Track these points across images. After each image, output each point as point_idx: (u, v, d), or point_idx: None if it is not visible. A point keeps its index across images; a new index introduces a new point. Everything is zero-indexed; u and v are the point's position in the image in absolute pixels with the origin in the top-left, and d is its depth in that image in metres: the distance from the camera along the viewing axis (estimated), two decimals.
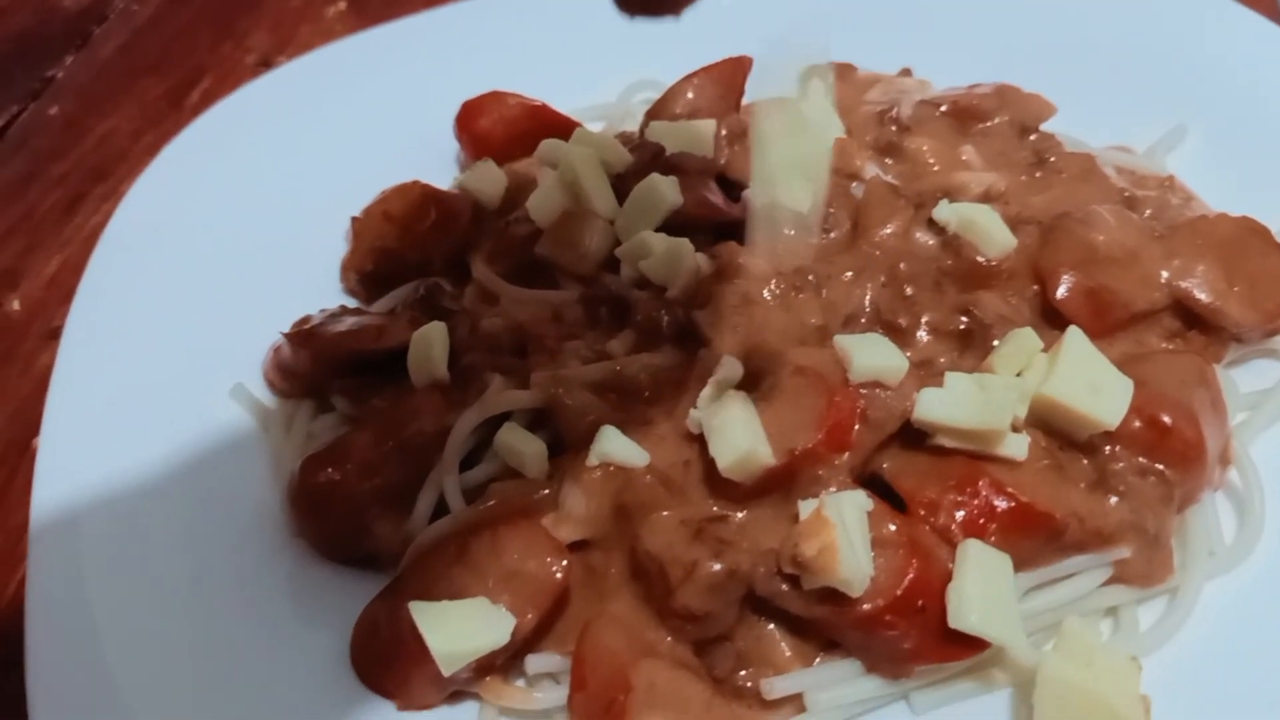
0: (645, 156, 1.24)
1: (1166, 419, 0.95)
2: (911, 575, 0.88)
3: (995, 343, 1.01)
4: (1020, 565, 0.91)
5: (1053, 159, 1.23)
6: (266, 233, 1.38)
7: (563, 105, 1.45)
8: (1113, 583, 0.95)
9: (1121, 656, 0.88)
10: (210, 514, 1.11)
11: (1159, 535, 0.94)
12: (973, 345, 1.03)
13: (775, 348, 1.01)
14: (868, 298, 1.07)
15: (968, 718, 0.92)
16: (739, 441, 0.92)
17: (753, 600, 0.93)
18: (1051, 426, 0.96)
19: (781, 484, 0.94)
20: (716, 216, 1.19)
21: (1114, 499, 0.94)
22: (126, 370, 1.22)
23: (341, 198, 1.38)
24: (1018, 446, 0.93)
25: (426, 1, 1.67)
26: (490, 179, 1.32)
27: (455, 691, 0.97)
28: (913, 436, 0.97)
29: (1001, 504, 0.91)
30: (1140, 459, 0.95)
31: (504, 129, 1.41)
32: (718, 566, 0.90)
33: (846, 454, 0.95)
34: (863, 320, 1.06)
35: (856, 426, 0.95)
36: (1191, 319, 1.08)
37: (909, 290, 1.06)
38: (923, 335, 1.04)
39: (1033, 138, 1.28)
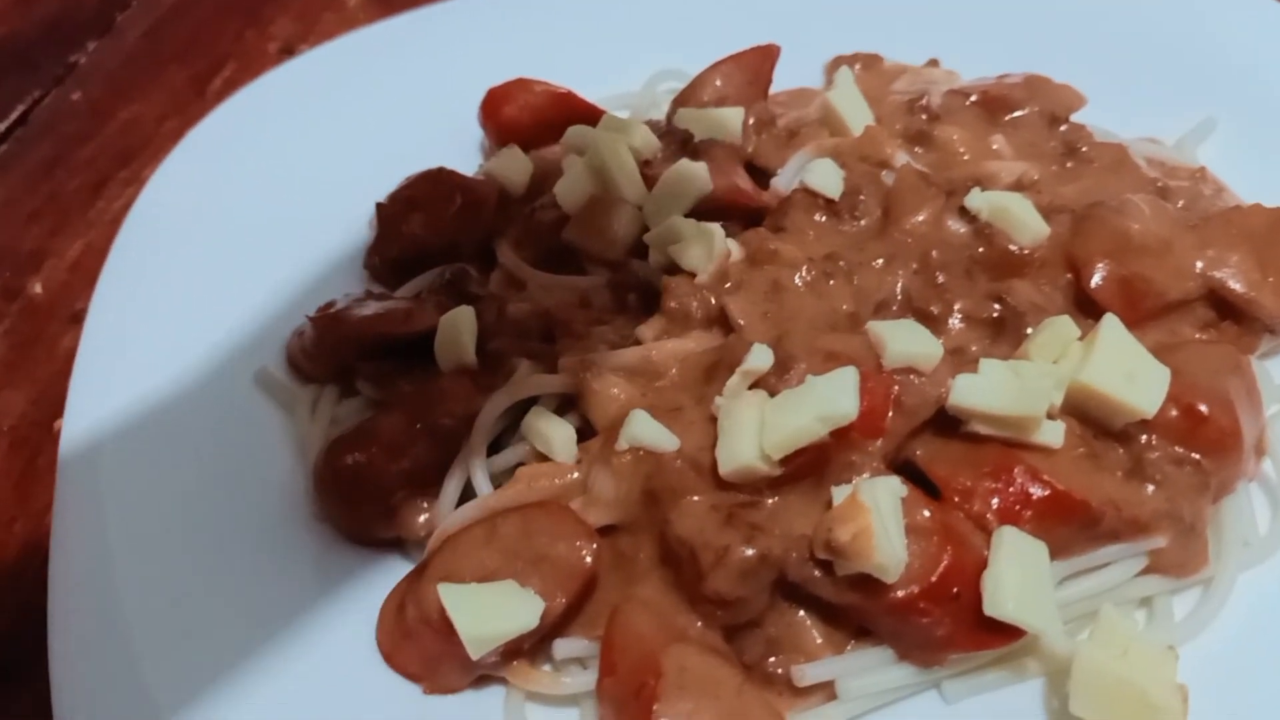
0: (673, 143, 1.24)
1: (1203, 408, 0.95)
2: (946, 562, 0.87)
3: (1028, 330, 1.00)
4: (1055, 554, 0.90)
5: (1084, 149, 1.22)
6: (290, 218, 1.37)
7: (587, 94, 1.44)
8: (1147, 573, 0.94)
9: (1158, 646, 0.87)
10: (234, 498, 1.11)
11: (1195, 524, 0.93)
12: (1005, 333, 1.02)
13: (806, 334, 1.00)
14: (899, 285, 1.06)
15: (1000, 707, 0.91)
16: (741, 452, 0.91)
17: (784, 586, 0.92)
18: (1086, 415, 0.95)
19: (814, 470, 0.93)
20: (746, 203, 1.18)
21: (1150, 487, 0.93)
22: (149, 353, 1.22)
23: (365, 185, 1.37)
24: (1053, 434, 0.92)
25: None
26: (516, 165, 1.32)
27: (482, 676, 0.96)
28: (946, 423, 0.96)
29: (1037, 491, 0.90)
30: (1176, 448, 0.94)
31: (530, 116, 1.40)
32: (750, 551, 0.89)
33: (880, 440, 0.94)
34: (894, 308, 1.05)
35: (890, 413, 0.94)
36: (1225, 309, 1.07)
37: (940, 278, 1.06)
38: (955, 323, 1.03)
39: (1063, 128, 1.27)
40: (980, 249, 1.08)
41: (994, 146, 1.23)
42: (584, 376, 1.04)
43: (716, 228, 1.09)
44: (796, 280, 1.06)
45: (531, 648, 0.95)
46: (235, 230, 1.35)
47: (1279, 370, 1.10)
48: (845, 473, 0.93)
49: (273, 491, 1.12)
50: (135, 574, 1.03)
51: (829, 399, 0.90)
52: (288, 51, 1.78)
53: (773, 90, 1.43)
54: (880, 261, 1.09)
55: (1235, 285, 1.06)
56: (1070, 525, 0.91)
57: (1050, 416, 0.94)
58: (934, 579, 0.87)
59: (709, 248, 1.08)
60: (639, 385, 1.04)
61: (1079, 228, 1.07)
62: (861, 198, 1.14)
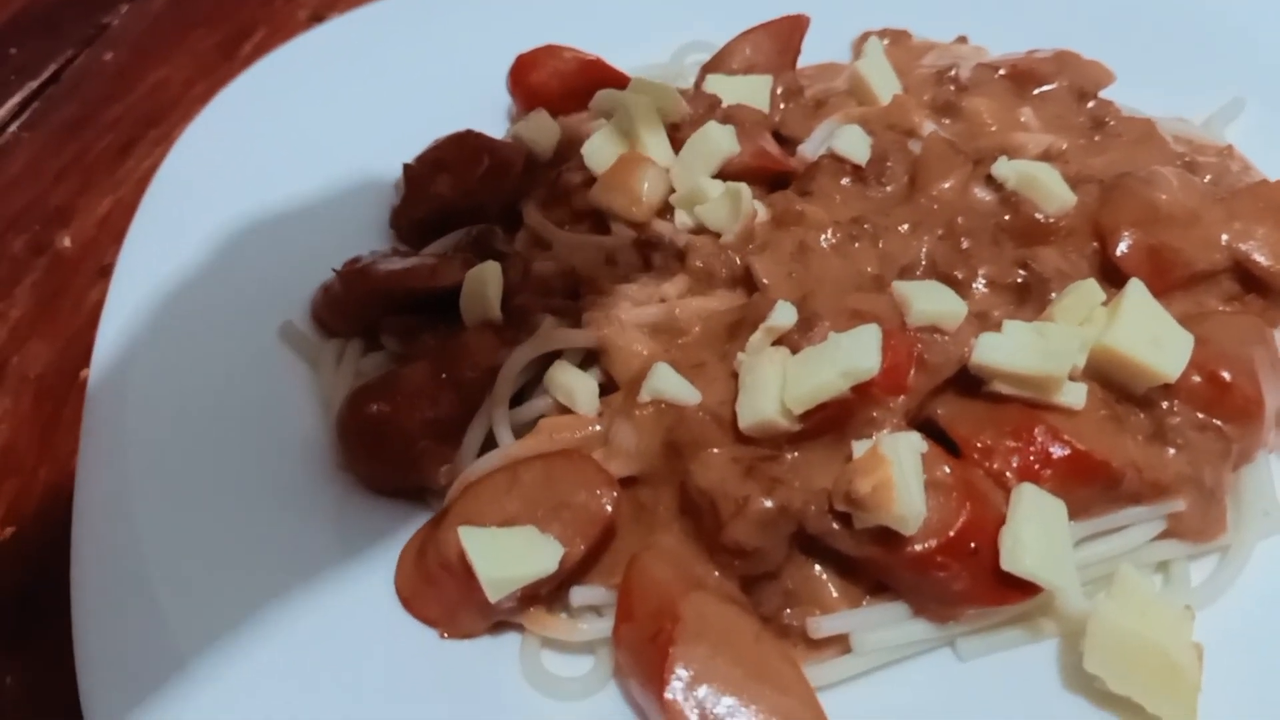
0: (701, 107, 1.24)
1: (1226, 375, 0.95)
2: (965, 517, 0.87)
3: (1052, 297, 1.00)
4: (1074, 515, 0.91)
5: (1111, 123, 1.22)
6: (317, 180, 1.38)
7: (615, 65, 1.45)
8: (1166, 537, 0.94)
9: (1175, 605, 0.87)
10: (257, 449, 1.11)
11: (1215, 490, 0.93)
12: (1030, 299, 1.02)
13: (831, 294, 1.01)
14: (924, 250, 1.07)
15: (1014, 666, 0.92)
16: (762, 407, 0.92)
17: (802, 539, 0.92)
18: (1109, 379, 0.95)
19: (835, 425, 0.93)
20: (774, 167, 1.18)
21: (1171, 451, 0.93)
22: (176, 306, 1.23)
23: (393, 148, 1.38)
24: (1076, 395, 0.92)
25: None
26: (544, 129, 1.32)
27: (499, 622, 0.97)
28: (968, 384, 0.96)
29: (1058, 451, 0.91)
30: (1199, 414, 0.95)
31: (558, 82, 1.41)
32: (769, 503, 0.89)
33: (902, 397, 0.94)
34: (919, 272, 1.05)
35: (912, 371, 0.94)
36: (1250, 282, 1.07)
37: (966, 244, 1.06)
38: (979, 287, 1.03)
39: (1091, 104, 1.27)
40: (1006, 217, 1.08)
41: (1022, 119, 1.23)
42: (607, 332, 1.04)
43: (743, 187, 1.09)
44: (822, 242, 1.06)
45: (549, 595, 0.96)
46: (263, 190, 1.36)
47: None
48: (866, 429, 0.93)
49: (295, 443, 1.13)
50: (158, 521, 1.04)
51: (851, 354, 0.90)
52: (317, 19, 1.78)
53: (800, 65, 1.43)
54: (906, 227, 1.09)
55: (1261, 258, 1.06)
56: (1090, 486, 0.91)
57: (1073, 379, 0.94)
58: (952, 534, 0.87)
59: (735, 208, 1.09)
60: (662, 342, 1.05)
61: (1106, 197, 1.07)
62: (889, 164, 1.14)
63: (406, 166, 1.34)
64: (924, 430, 0.94)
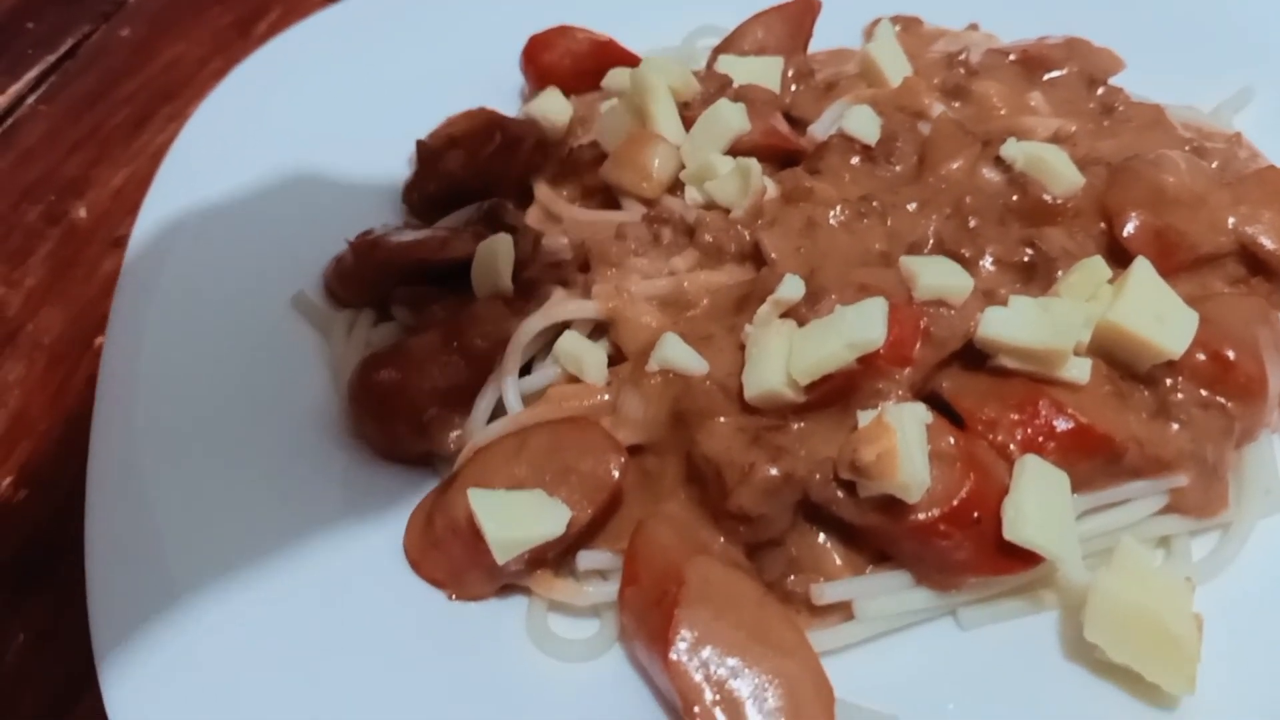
0: (712, 87, 1.25)
1: (1230, 353, 0.96)
2: (968, 487, 0.88)
3: (1059, 275, 1.01)
4: (1077, 487, 0.92)
5: (1120, 109, 1.23)
6: (330, 156, 1.39)
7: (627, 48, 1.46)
8: (1167, 512, 0.95)
9: (1175, 577, 0.88)
10: (267, 417, 1.13)
11: (1217, 466, 0.94)
12: (1036, 278, 1.03)
13: (839, 268, 1.02)
14: (931, 228, 1.08)
15: (1015, 636, 0.92)
16: (767, 377, 0.93)
17: (806, 508, 0.93)
18: (1114, 356, 0.96)
19: (841, 397, 0.94)
20: (784, 146, 1.19)
21: (1174, 426, 0.94)
22: (189, 276, 1.24)
23: (406, 126, 1.40)
24: (1080, 370, 0.93)
25: None
26: (556, 107, 1.33)
27: (506, 586, 0.98)
28: (973, 358, 0.97)
29: (1061, 424, 0.91)
30: (1202, 391, 0.95)
31: (570, 63, 1.42)
32: (774, 470, 0.90)
33: (907, 370, 0.95)
34: (926, 250, 1.06)
35: (918, 344, 0.95)
36: (1255, 266, 1.07)
37: (973, 223, 1.07)
38: (986, 265, 1.04)
39: (1100, 90, 1.28)
40: (1014, 197, 1.09)
41: (1031, 103, 1.24)
42: (616, 304, 1.05)
43: (753, 162, 1.10)
44: (831, 219, 1.07)
45: (555, 559, 0.97)
46: (277, 164, 1.37)
47: None
48: (871, 400, 0.94)
49: (306, 411, 1.14)
50: (170, 483, 1.05)
51: (857, 326, 0.91)
52: None
53: (811, 50, 1.44)
54: (914, 205, 1.10)
55: (1267, 241, 1.06)
56: (1093, 459, 0.92)
57: (1077, 354, 0.94)
58: (955, 503, 0.88)
59: (745, 183, 1.10)
60: (670, 314, 1.06)
61: (1114, 179, 1.08)
62: (898, 144, 1.15)
63: (419, 142, 1.35)
64: (929, 404, 0.95)
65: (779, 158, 1.20)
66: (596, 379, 1.03)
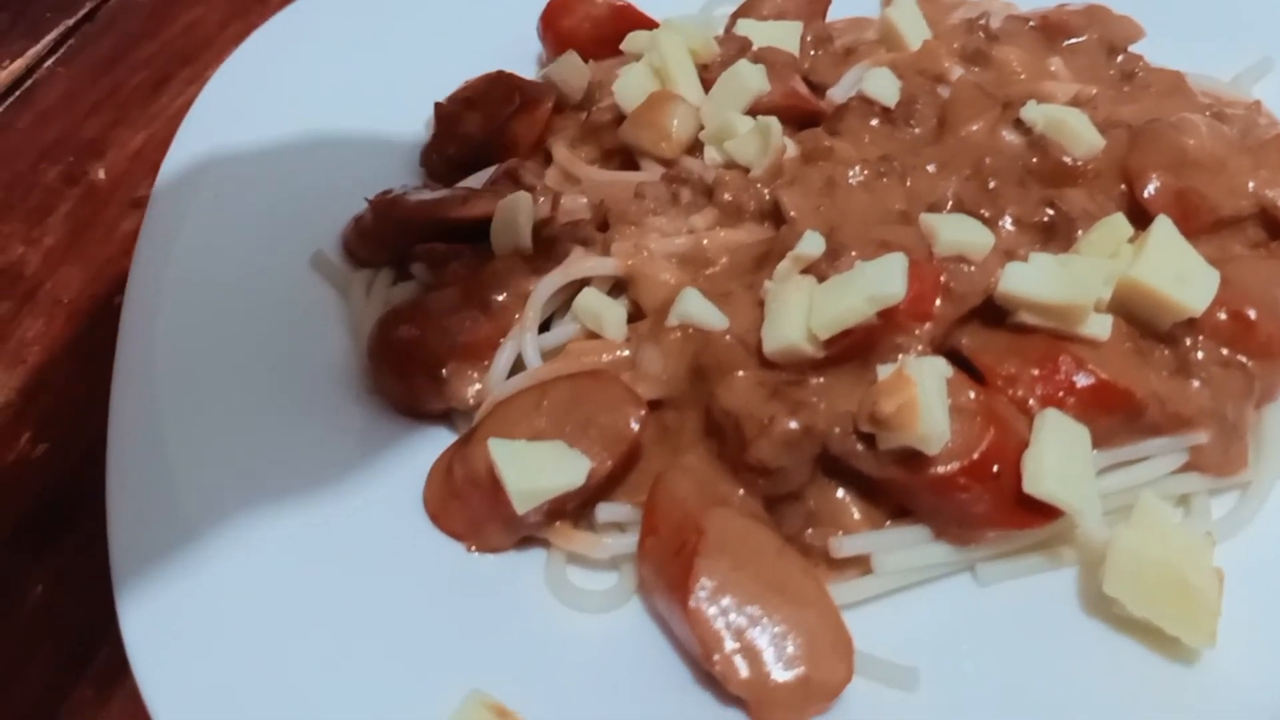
0: (731, 50, 1.25)
1: (1251, 313, 0.96)
2: (988, 440, 0.88)
3: (1079, 234, 1.01)
4: (1097, 443, 0.92)
5: (1140, 74, 1.23)
6: (348, 119, 1.39)
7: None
8: (1187, 470, 0.95)
9: (1195, 533, 0.88)
10: (286, 374, 1.13)
11: (1237, 425, 0.94)
12: (1056, 238, 1.03)
13: (859, 225, 1.02)
14: (951, 189, 1.07)
15: (1033, 592, 0.93)
16: (787, 332, 0.92)
17: (825, 461, 0.93)
18: (1134, 314, 0.96)
19: (860, 351, 0.94)
20: (803, 107, 1.19)
21: (1195, 384, 0.94)
22: (208, 236, 1.25)
23: (425, 89, 1.39)
24: (1101, 326, 0.93)
25: None
26: (574, 71, 1.33)
27: (525, 539, 0.99)
28: (994, 316, 0.97)
29: (1082, 380, 0.92)
30: (1223, 350, 0.96)
31: (589, 28, 1.41)
32: (794, 423, 0.90)
33: (928, 325, 0.95)
34: (946, 211, 1.06)
35: (939, 300, 0.95)
36: (1276, 229, 1.07)
37: (992, 184, 1.06)
38: (1006, 225, 1.04)
39: (1120, 58, 1.27)
40: (1034, 159, 1.09)
41: (1051, 69, 1.23)
42: (635, 261, 1.06)
43: (773, 120, 1.10)
44: (850, 178, 1.07)
45: (575, 510, 0.97)
46: (295, 127, 1.37)
47: None
48: (891, 355, 0.94)
49: (324, 369, 1.14)
50: (189, 438, 1.05)
51: (877, 280, 0.91)
52: None
53: (830, 18, 1.44)
54: (933, 167, 1.10)
55: None
56: (1113, 415, 0.92)
57: (1098, 311, 0.95)
58: (975, 456, 0.88)
59: (765, 142, 1.10)
60: (689, 272, 1.06)
61: (1135, 141, 1.08)
62: (918, 106, 1.15)
63: (437, 105, 1.35)
64: (949, 360, 0.95)
65: (798, 119, 1.20)
66: (616, 335, 1.03)
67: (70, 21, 1.68)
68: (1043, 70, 1.23)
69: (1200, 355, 0.95)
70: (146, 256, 1.21)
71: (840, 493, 0.95)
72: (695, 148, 1.18)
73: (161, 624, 0.91)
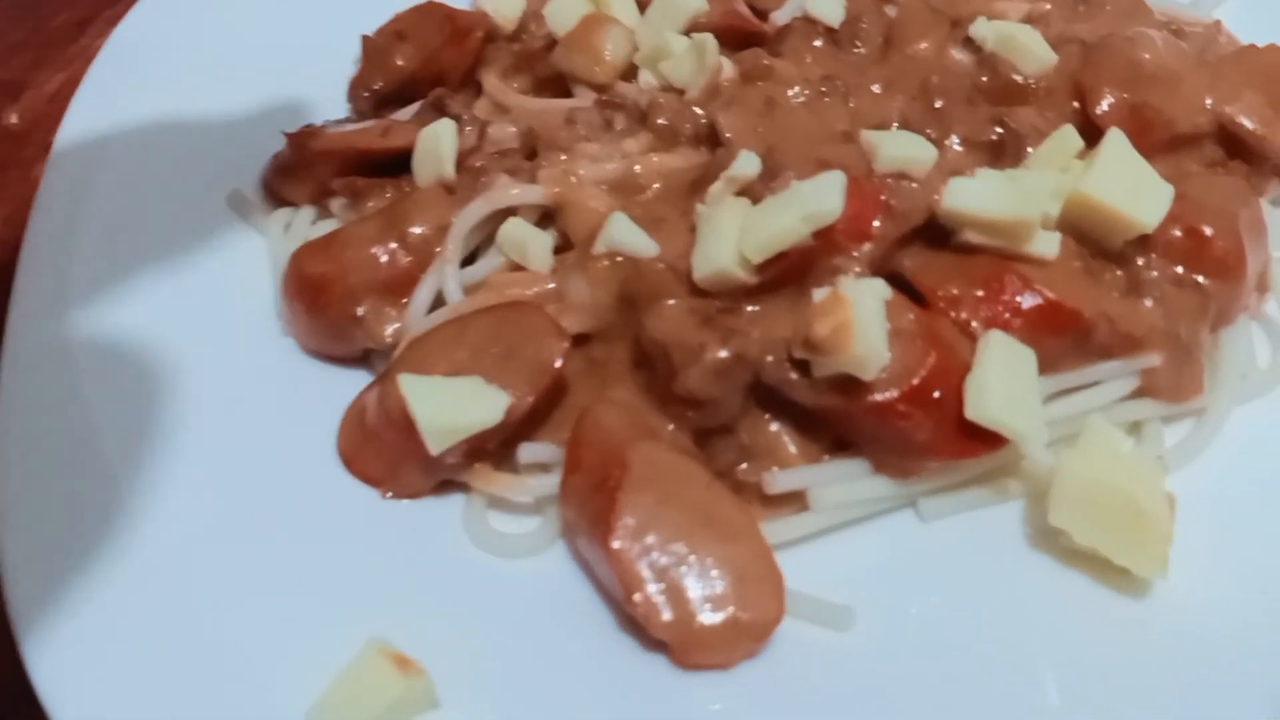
0: None
1: (1206, 229, 0.91)
2: (929, 365, 0.83)
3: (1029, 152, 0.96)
4: (1044, 368, 0.87)
5: None
6: (273, 55, 1.32)
7: None
8: (1139, 395, 0.90)
9: (1145, 457, 0.83)
10: (201, 314, 1.07)
11: (1190, 346, 0.89)
12: (1004, 157, 0.98)
13: (798, 144, 0.96)
14: (896, 109, 1.02)
15: (978, 527, 0.88)
16: (718, 257, 0.87)
17: (760, 392, 0.88)
18: (1085, 232, 0.91)
19: (797, 275, 0.89)
20: (744, 27, 1.14)
21: (1147, 303, 0.89)
22: (119, 177, 1.19)
23: (354, 24, 1.33)
24: (1048, 244, 0.88)
25: None
26: (508, 0, 1.27)
27: (444, 483, 0.93)
28: (937, 237, 0.92)
29: (1028, 300, 0.87)
30: (1177, 268, 0.91)
31: None
32: (725, 352, 0.85)
33: (867, 245, 0.90)
34: (891, 130, 1.01)
35: (878, 219, 0.90)
36: (1234, 148, 1.02)
37: (939, 103, 1.01)
38: (953, 145, 0.99)
39: None
40: (983, 78, 1.04)
41: None
42: (562, 189, 1.00)
43: (709, 37, 1.04)
44: (791, 98, 1.02)
45: (496, 451, 0.92)
46: (216, 65, 1.31)
47: None
48: (829, 279, 0.89)
49: (243, 312, 1.09)
50: (98, 378, 1.01)
51: (813, 199, 0.85)
52: None
53: None
54: (878, 86, 1.04)
55: (1246, 122, 1.01)
56: (1061, 337, 0.87)
57: (1046, 229, 0.89)
58: (915, 381, 0.83)
59: (700, 62, 1.04)
60: (621, 199, 1.00)
61: (1088, 57, 1.03)
62: (863, 25, 1.09)
63: (365, 37, 1.29)
64: (891, 283, 0.90)
65: (739, 41, 1.13)
66: (541, 265, 0.98)
67: None
68: None
69: (1153, 274, 0.90)
70: (48, 204, 1.15)
71: (775, 425, 0.89)
72: (632, 73, 1.12)
73: (47, 573, 0.86)
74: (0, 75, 1.45)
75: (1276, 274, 0.98)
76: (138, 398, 1.00)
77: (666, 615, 0.79)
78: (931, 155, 0.92)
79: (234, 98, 1.28)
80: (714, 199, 0.92)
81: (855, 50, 1.09)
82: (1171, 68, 1.03)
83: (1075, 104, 1.02)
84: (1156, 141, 1.00)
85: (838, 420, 0.87)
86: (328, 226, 1.12)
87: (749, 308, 0.89)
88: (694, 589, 0.79)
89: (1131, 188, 0.89)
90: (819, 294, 0.85)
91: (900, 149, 0.91)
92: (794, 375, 0.85)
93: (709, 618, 0.79)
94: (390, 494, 0.93)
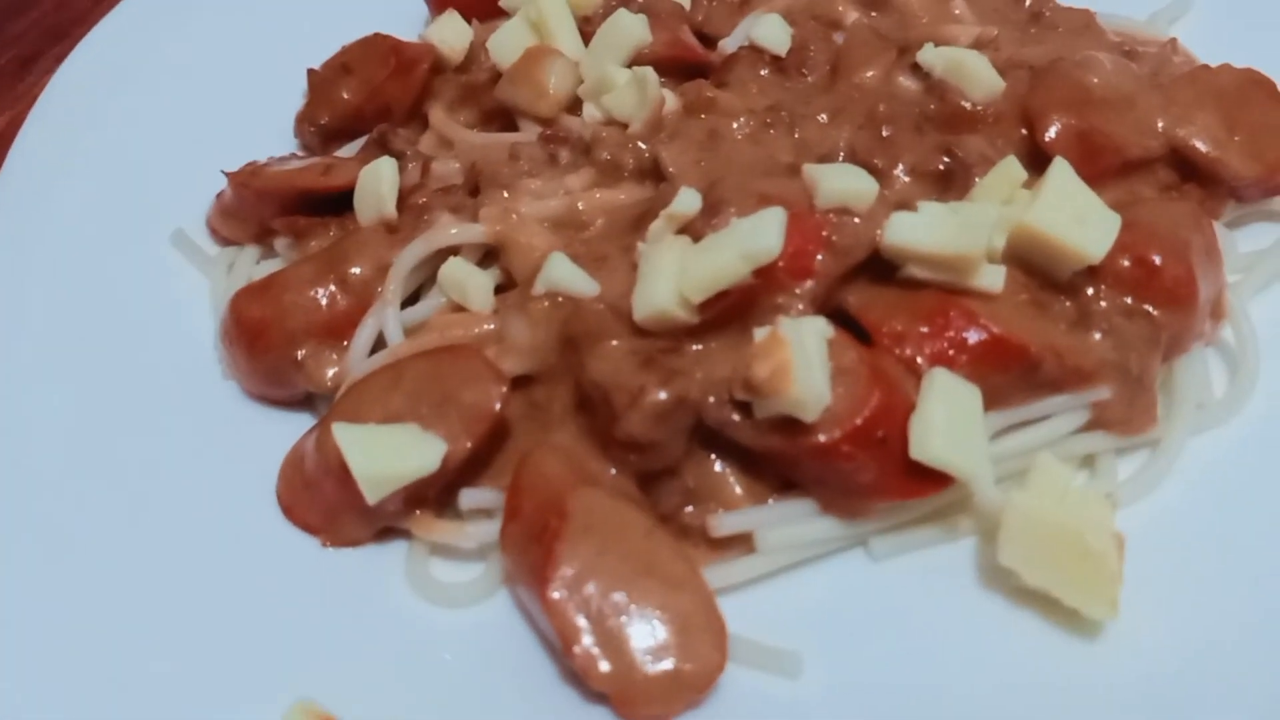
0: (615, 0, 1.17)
1: (1156, 258, 0.89)
2: (873, 404, 0.81)
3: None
4: (991, 404, 0.85)
5: (1049, 15, 1.16)
6: (220, 91, 1.32)
7: None
8: (1091, 429, 0.89)
9: (1095, 494, 0.82)
10: (143, 356, 1.07)
11: (1142, 377, 0.87)
12: (953, 187, 0.96)
13: (739, 179, 0.94)
14: (843, 139, 1.00)
15: (930, 566, 0.86)
16: (657, 296, 0.85)
17: (703, 433, 0.86)
18: (1031, 263, 0.89)
19: (738, 315, 0.87)
20: (689, 58, 1.12)
21: (1096, 335, 0.87)
22: (63, 217, 1.18)
23: (300, 58, 1.31)
24: (993, 278, 0.87)
25: None
26: (455, 32, 1.24)
27: (385, 530, 0.91)
28: (882, 271, 0.90)
29: (973, 335, 0.85)
30: (1126, 299, 0.89)
31: None
32: (665, 394, 0.83)
33: (810, 282, 0.88)
34: (838, 161, 0.99)
35: (820, 255, 0.88)
36: (1188, 171, 1.01)
37: (886, 132, 1.00)
38: (901, 175, 0.97)
39: (1029, 1, 1.20)
40: (931, 105, 1.02)
41: (955, 11, 1.16)
42: (504, 227, 0.98)
43: (649, 71, 1.03)
44: (735, 130, 1.00)
45: (436, 496, 0.90)
46: (162, 101, 1.31)
47: (1246, 241, 1.04)
48: (771, 317, 0.86)
49: (184, 355, 1.07)
50: (42, 423, 1.00)
51: (752, 237, 0.84)
52: None
53: None
54: (825, 116, 1.03)
55: (1200, 144, 1.00)
56: (1008, 372, 0.85)
57: (991, 262, 0.88)
58: (859, 421, 0.81)
59: (642, 95, 1.02)
60: (564, 236, 0.98)
61: (1037, 81, 1.01)
62: (810, 52, 1.08)
63: (310, 71, 1.27)
64: (835, 320, 0.88)
65: (685, 71, 1.12)
66: (481, 306, 0.96)
67: None
68: (946, 13, 1.16)
69: (1102, 305, 0.88)
70: None
71: (720, 467, 0.87)
72: (576, 107, 1.10)
73: None
74: None
75: (1233, 299, 0.96)
76: (74, 438, 0.99)
77: (605, 667, 0.77)
78: (873, 189, 0.90)
79: (180, 135, 1.27)
80: (654, 237, 0.90)
81: (802, 78, 1.08)
82: (1122, 91, 1.01)
83: (1024, 130, 1.00)
84: (1107, 167, 0.98)
85: (782, 462, 0.85)
86: (272, 266, 1.11)
87: (692, 347, 0.87)
88: (633, 640, 0.77)
89: (1077, 218, 0.87)
90: (760, 333, 0.83)
91: (842, 182, 0.90)
92: (736, 417, 0.83)
93: (649, 669, 0.77)
94: (330, 543, 0.91)
